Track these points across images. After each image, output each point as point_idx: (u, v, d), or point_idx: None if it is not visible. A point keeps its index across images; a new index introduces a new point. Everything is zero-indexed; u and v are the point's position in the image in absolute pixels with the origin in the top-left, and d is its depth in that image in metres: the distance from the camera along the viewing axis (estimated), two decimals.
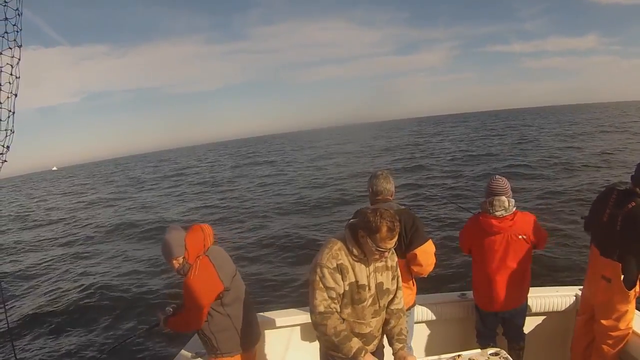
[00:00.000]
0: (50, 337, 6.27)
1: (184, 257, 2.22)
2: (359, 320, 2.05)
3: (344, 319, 2.03)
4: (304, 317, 2.93)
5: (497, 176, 2.81)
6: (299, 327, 3.03)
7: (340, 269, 1.96)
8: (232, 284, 2.34)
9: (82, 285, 8.28)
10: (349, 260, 1.98)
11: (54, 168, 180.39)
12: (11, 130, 1.50)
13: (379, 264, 2.06)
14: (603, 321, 2.52)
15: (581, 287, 3.11)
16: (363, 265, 2.00)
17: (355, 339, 1.98)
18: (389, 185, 2.64)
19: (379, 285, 2.06)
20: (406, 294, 2.59)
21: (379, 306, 2.09)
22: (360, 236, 1.94)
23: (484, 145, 26.35)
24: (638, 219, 2.31)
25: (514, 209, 2.72)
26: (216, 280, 2.24)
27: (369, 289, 2.02)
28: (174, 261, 2.24)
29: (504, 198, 2.68)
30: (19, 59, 1.51)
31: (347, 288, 1.99)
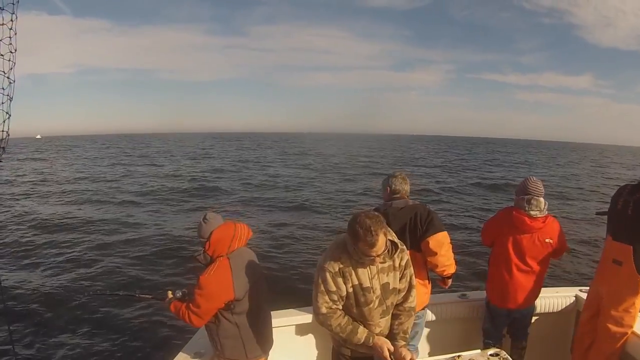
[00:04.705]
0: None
1: (204, 249, 2.18)
2: (367, 322, 2.05)
3: (353, 318, 2.03)
4: (301, 317, 2.87)
5: (534, 178, 2.80)
6: (295, 327, 2.92)
7: (342, 273, 1.94)
8: (248, 294, 2.23)
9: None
10: (351, 264, 1.94)
11: (38, 136, 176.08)
12: (7, 133, 1.46)
13: (384, 265, 2.00)
14: (609, 311, 2.56)
15: (581, 287, 3.23)
16: (365, 268, 1.96)
17: (361, 329, 2.01)
18: (406, 187, 2.67)
19: (384, 286, 2.01)
20: (422, 292, 2.56)
21: (386, 306, 2.06)
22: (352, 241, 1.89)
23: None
24: None
25: (547, 213, 2.74)
26: (229, 288, 2.15)
27: (373, 290, 1.98)
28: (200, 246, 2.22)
29: (542, 199, 2.71)
30: (16, 32, 1.40)
31: (350, 290, 1.97)
